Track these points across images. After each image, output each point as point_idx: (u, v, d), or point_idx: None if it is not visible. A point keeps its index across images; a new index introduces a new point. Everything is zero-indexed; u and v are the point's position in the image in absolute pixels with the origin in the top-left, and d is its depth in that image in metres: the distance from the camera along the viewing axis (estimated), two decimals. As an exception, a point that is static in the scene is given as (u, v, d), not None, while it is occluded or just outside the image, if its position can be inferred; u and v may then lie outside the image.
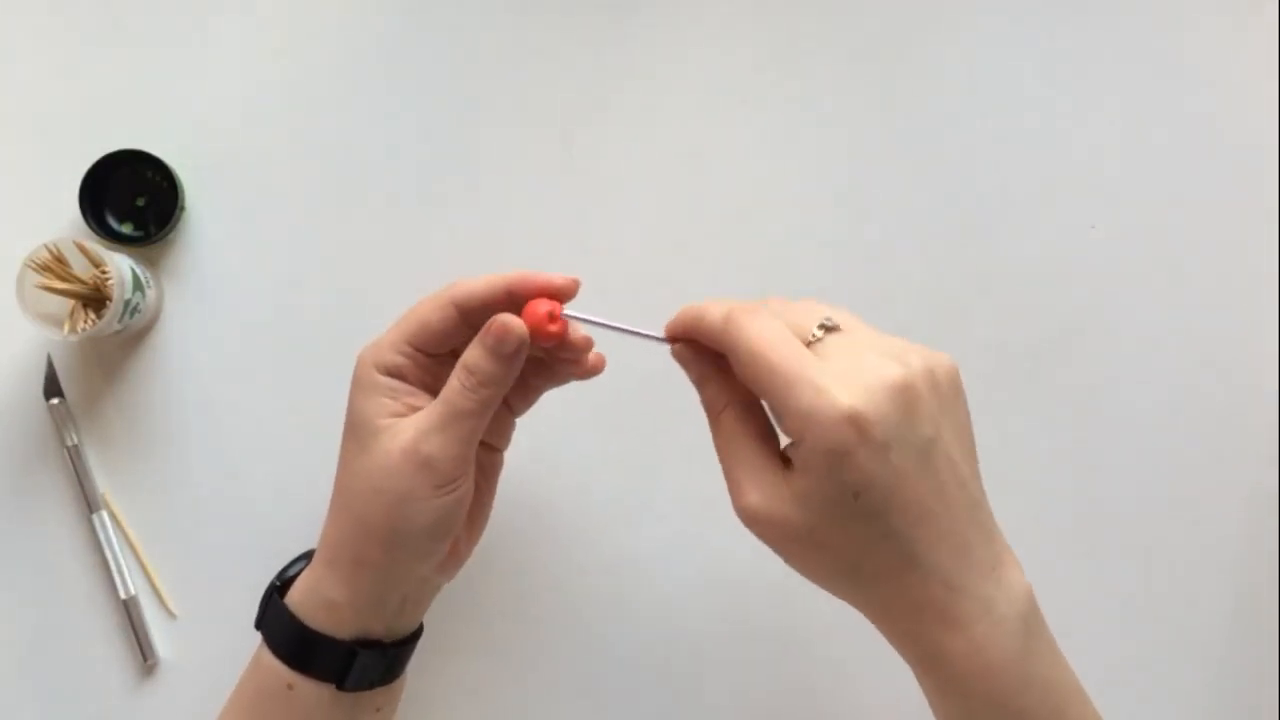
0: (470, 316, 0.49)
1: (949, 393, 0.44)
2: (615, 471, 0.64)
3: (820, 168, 0.66)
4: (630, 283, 0.64)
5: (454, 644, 0.63)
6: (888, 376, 0.41)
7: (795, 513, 0.42)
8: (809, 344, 0.43)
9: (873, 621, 0.45)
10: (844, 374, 0.41)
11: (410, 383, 0.50)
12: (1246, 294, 0.66)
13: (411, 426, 0.48)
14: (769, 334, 0.43)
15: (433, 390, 0.50)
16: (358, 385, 0.50)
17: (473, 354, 0.48)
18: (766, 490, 0.43)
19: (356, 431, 0.50)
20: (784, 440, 0.44)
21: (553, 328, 0.48)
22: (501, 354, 0.48)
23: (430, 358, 0.50)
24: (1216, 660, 0.65)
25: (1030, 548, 0.64)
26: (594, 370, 0.52)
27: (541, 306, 0.48)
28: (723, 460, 0.46)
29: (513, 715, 0.63)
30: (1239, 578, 0.65)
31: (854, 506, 0.41)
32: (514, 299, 0.49)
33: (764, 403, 0.45)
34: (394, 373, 0.50)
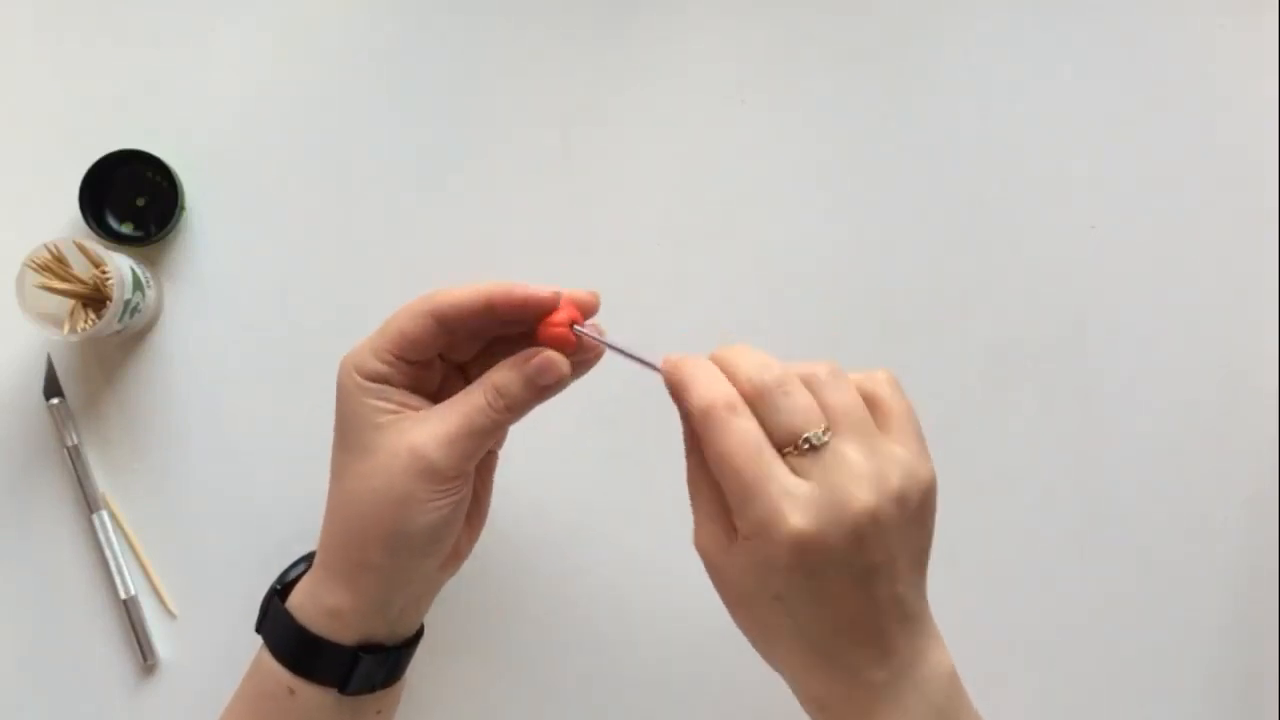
0: (449, 326, 0.49)
1: (916, 513, 0.44)
2: (615, 471, 0.64)
3: (820, 168, 0.66)
4: (630, 283, 0.64)
5: (454, 644, 0.63)
6: (852, 506, 0.42)
7: (732, 573, 0.45)
8: (787, 453, 0.44)
9: (789, 685, 0.47)
10: (807, 495, 0.43)
11: (396, 386, 0.50)
12: (1246, 294, 0.66)
13: (416, 429, 0.48)
14: (739, 441, 0.43)
15: (420, 392, 0.50)
16: (344, 392, 0.50)
17: (507, 378, 0.49)
18: (716, 542, 0.45)
19: (351, 436, 0.50)
20: None
21: (573, 341, 0.49)
22: (538, 384, 0.49)
23: (412, 364, 0.50)
24: (1216, 660, 0.65)
25: (1030, 548, 0.65)
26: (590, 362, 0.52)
27: (560, 316, 0.49)
28: (690, 493, 0.47)
29: (513, 715, 0.63)
30: (1239, 578, 0.65)
31: (774, 604, 0.44)
32: (494, 310, 0.49)
33: None
34: (378, 378, 0.49)
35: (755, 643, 0.47)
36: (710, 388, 0.45)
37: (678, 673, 0.63)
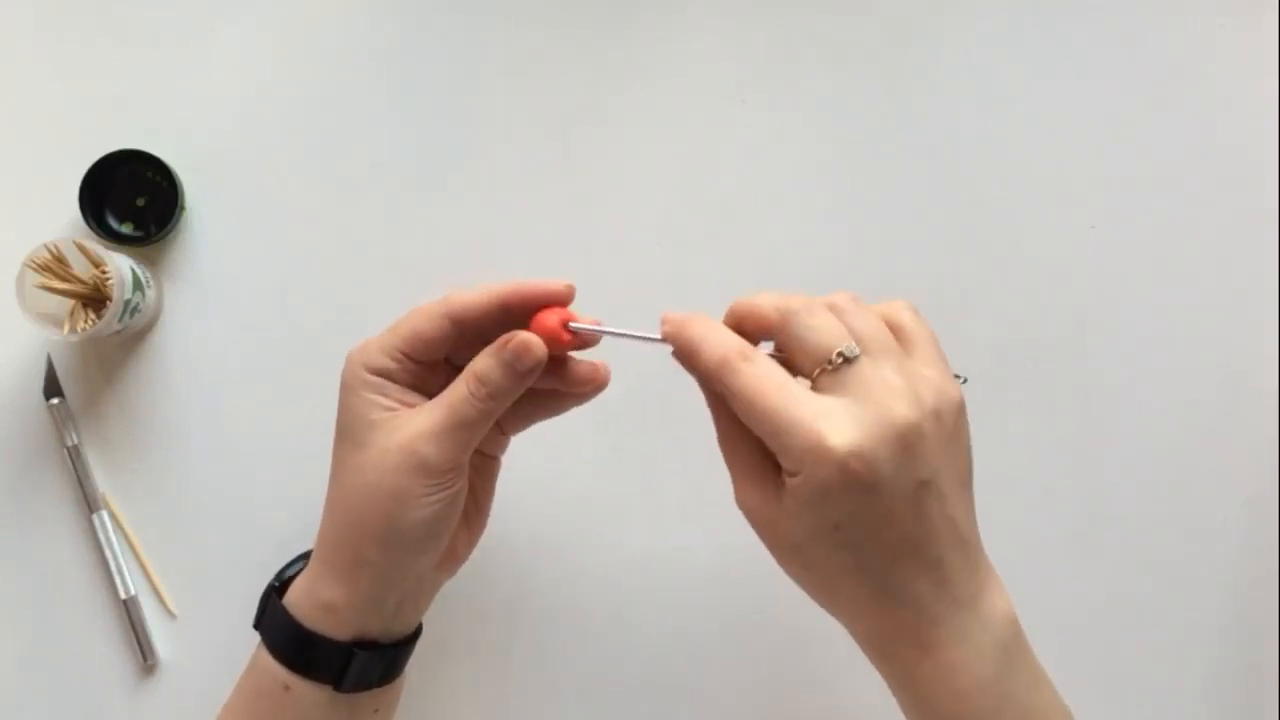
0: (464, 327, 0.49)
1: (953, 430, 0.44)
2: (615, 471, 0.64)
3: (820, 168, 0.66)
4: (630, 283, 0.64)
5: (454, 644, 0.63)
6: (893, 419, 0.42)
7: (784, 524, 0.44)
8: (820, 372, 0.44)
9: (852, 636, 0.47)
10: (846, 412, 0.42)
11: (398, 383, 0.50)
12: (1246, 294, 0.66)
13: (409, 424, 0.48)
14: (762, 380, 0.43)
15: (422, 391, 0.51)
16: (347, 385, 0.50)
17: (486, 365, 0.48)
18: (762, 495, 0.45)
19: (350, 430, 0.50)
20: None
21: (565, 337, 0.49)
22: (517, 369, 0.48)
23: (418, 364, 0.50)
24: (1216, 660, 0.65)
25: (1030, 547, 0.65)
26: (598, 389, 0.52)
27: (552, 317, 0.49)
28: (725, 456, 0.47)
29: (513, 715, 0.63)
30: (1239, 578, 0.65)
31: (835, 536, 0.43)
32: (508, 310, 0.49)
33: None
34: (383, 375, 0.50)
35: (814, 589, 0.46)
36: (720, 342, 0.45)
37: (678, 672, 0.63)
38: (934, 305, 0.65)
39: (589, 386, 0.52)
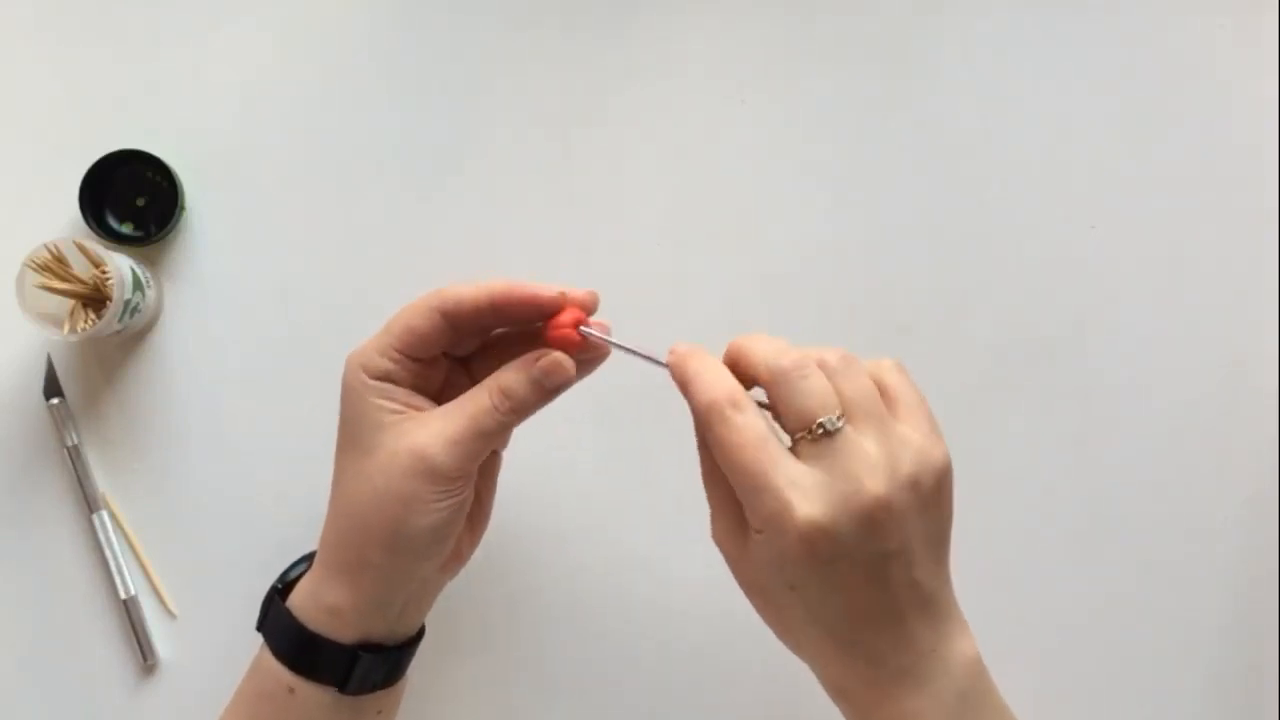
0: (456, 322, 0.49)
1: (931, 497, 0.45)
2: (615, 471, 0.64)
3: (820, 168, 0.66)
4: (630, 283, 0.64)
5: (454, 644, 0.63)
6: (862, 496, 0.43)
7: (749, 567, 0.46)
8: (804, 436, 0.44)
9: (813, 671, 0.48)
10: (816, 485, 0.43)
11: (401, 385, 0.50)
12: (1247, 294, 0.66)
13: (420, 429, 0.48)
14: (745, 435, 0.44)
15: (423, 390, 0.50)
16: (349, 390, 0.50)
17: (514, 379, 0.49)
18: (732, 536, 0.46)
19: (354, 435, 0.50)
20: None
21: (576, 339, 0.49)
22: (545, 387, 0.49)
23: (417, 361, 0.50)
24: (1216, 660, 0.65)
25: (1030, 547, 0.65)
26: (601, 359, 0.52)
27: (567, 317, 0.49)
28: (705, 487, 0.48)
29: (513, 715, 0.63)
30: (1239, 578, 0.65)
31: (791, 595, 0.44)
32: (498, 309, 0.49)
33: None
34: (384, 377, 0.49)
35: (776, 631, 0.48)
36: (713, 385, 0.45)
37: (681, 671, 0.63)
38: (934, 305, 0.66)
39: (595, 353, 0.52)
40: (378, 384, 0.49)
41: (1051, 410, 0.65)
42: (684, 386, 0.46)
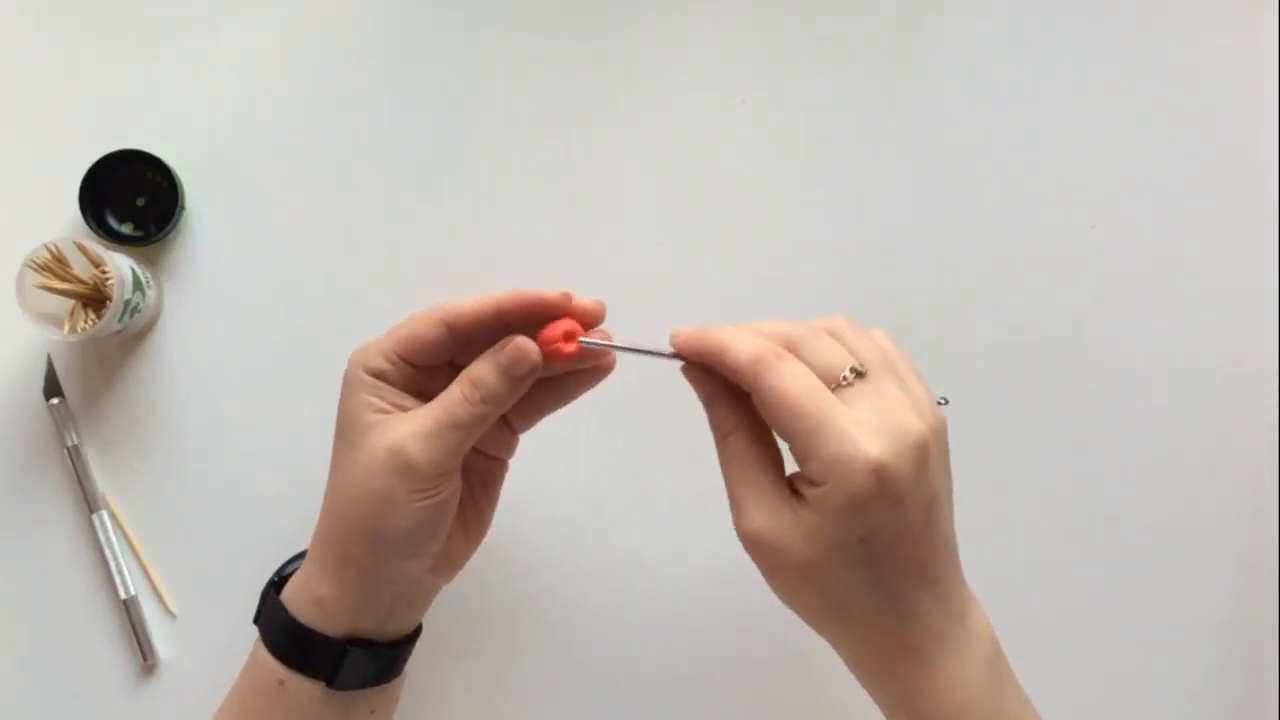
0: (460, 334, 0.49)
1: (946, 448, 0.46)
2: (615, 471, 0.64)
3: (820, 168, 0.66)
4: (630, 283, 0.64)
5: (454, 644, 0.63)
6: (911, 432, 0.43)
7: (799, 544, 0.44)
8: (836, 388, 0.44)
9: (848, 661, 0.47)
10: (870, 424, 0.43)
11: (394, 386, 0.50)
12: (1247, 294, 0.66)
13: (399, 426, 0.48)
14: (798, 381, 0.44)
15: (419, 396, 0.50)
16: (346, 385, 0.50)
17: (482, 369, 0.48)
18: (773, 517, 0.45)
19: (346, 430, 0.50)
20: (790, 468, 0.46)
21: (568, 349, 0.49)
22: (512, 374, 0.48)
23: (416, 368, 0.50)
24: (1216, 660, 0.65)
25: (1030, 547, 0.65)
26: (607, 370, 0.52)
27: (559, 327, 0.49)
28: (728, 481, 0.47)
29: (513, 715, 0.63)
30: (1239, 578, 0.65)
31: (857, 551, 0.43)
32: (505, 318, 0.49)
33: (783, 442, 0.46)
34: (379, 376, 0.50)
35: (820, 610, 0.46)
36: (751, 340, 0.45)
37: (679, 673, 0.63)
38: (934, 305, 0.66)
39: (597, 367, 0.52)
40: (372, 381, 0.49)
41: (1051, 410, 0.65)
42: (718, 353, 0.45)
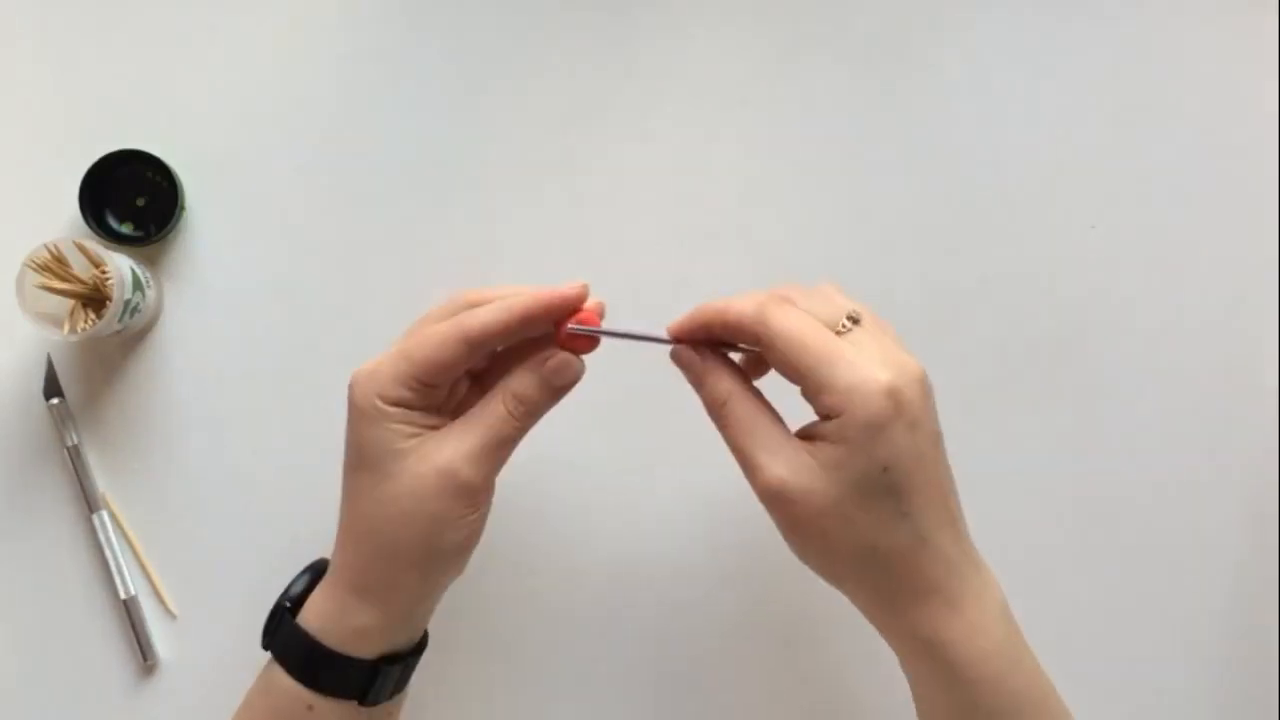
0: (480, 348, 0.49)
1: (931, 397, 0.47)
2: (615, 471, 0.64)
3: (820, 168, 0.66)
4: (630, 283, 0.64)
5: (454, 644, 0.62)
6: (912, 365, 0.45)
7: (823, 485, 0.44)
8: (837, 333, 0.46)
9: (871, 608, 0.47)
10: (876, 357, 0.44)
11: (417, 409, 0.50)
12: (1246, 294, 0.66)
13: (442, 449, 0.48)
14: (804, 321, 0.45)
15: (436, 408, 0.50)
16: (363, 416, 0.49)
17: (525, 383, 0.49)
18: (792, 464, 0.45)
19: (373, 460, 0.49)
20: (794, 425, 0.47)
21: (578, 348, 0.50)
22: (556, 386, 0.49)
23: (432, 386, 0.50)
24: (1216, 661, 0.65)
25: (1030, 547, 0.65)
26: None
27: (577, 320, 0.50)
28: (738, 445, 0.47)
29: (514, 715, 0.63)
30: (1239, 578, 0.65)
31: (881, 480, 0.44)
32: (527, 325, 0.49)
33: (798, 387, 0.46)
34: (401, 404, 0.49)
35: (844, 559, 0.46)
36: (751, 294, 0.47)
37: (680, 672, 0.63)
38: (934, 304, 0.66)
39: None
40: (396, 410, 0.49)
41: (1052, 410, 0.65)
42: (720, 314, 0.47)
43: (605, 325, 0.50)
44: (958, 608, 0.45)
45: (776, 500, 0.45)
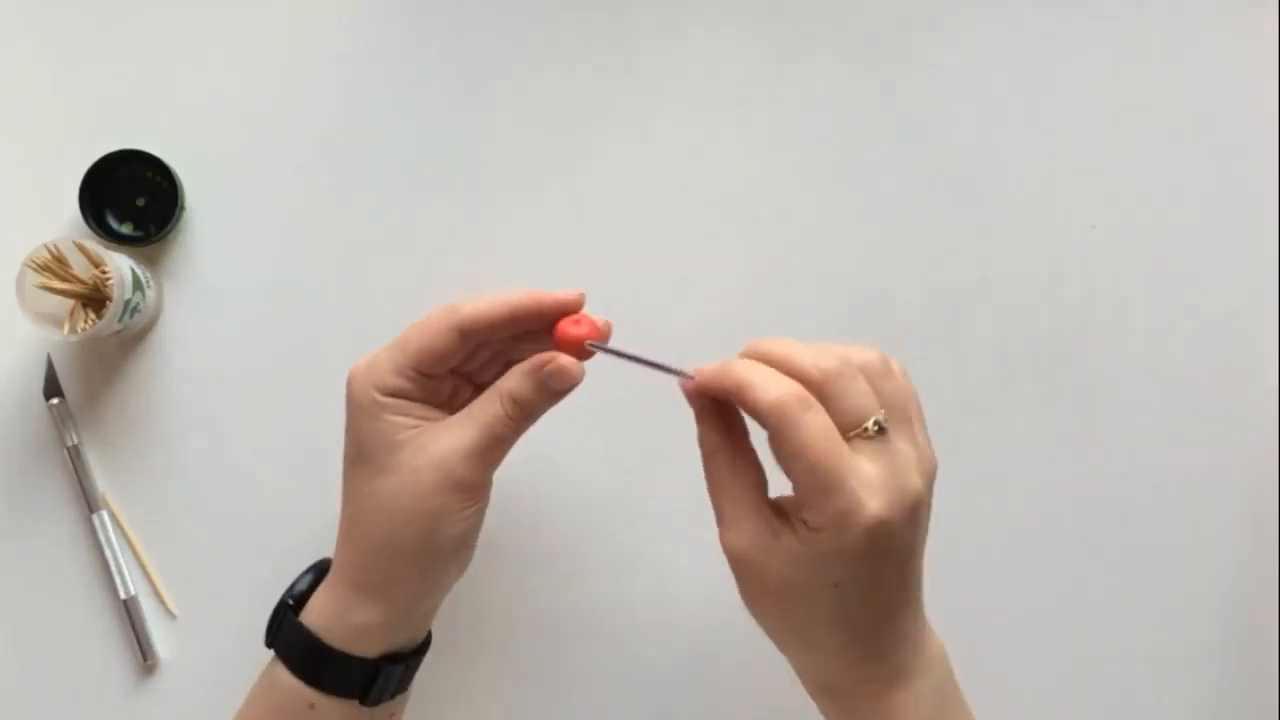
0: (472, 339, 0.50)
1: (932, 495, 0.46)
2: (615, 471, 0.64)
3: (820, 168, 0.66)
4: (630, 283, 0.64)
5: (454, 644, 0.62)
6: (910, 491, 0.44)
7: (775, 567, 0.45)
8: (858, 435, 0.44)
9: (802, 680, 0.49)
10: (878, 484, 0.43)
11: (414, 401, 0.50)
12: (1247, 294, 0.66)
13: (438, 443, 0.49)
14: (815, 435, 0.43)
15: (433, 402, 0.51)
16: (360, 410, 0.50)
17: (521, 385, 0.49)
18: (755, 536, 0.45)
19: (371, 454, 0.49)
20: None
21: (580, 355, 0.50)
22: (553, 389, 0.49)
23: (429, 377, 0.50)
24: (1216, 661, 0.65)
25: (1030, 547, 0.65)
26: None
27: (574, 329, 0.49)
28: (713, 498, 0.47)
29: (514, 715, 0.63)
30: (1239, 578, 0.65)
31: (830, 591, 0.44)
32: (518, 320, 0.49)
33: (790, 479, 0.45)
34: (398, 394, 0.50)
35: (786, 634, 0.47)
36: (777, 383, 0.44)
37: (680, 672, 0.63)
38: (934, 305, 0.66)
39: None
40: (392, 401, 0.49)
41: (1052, 410, 0.65)
42: (740, 391, 0.45)
43: (614, 341, 0.50)
44: (883, 696, 0.46)
45: (733, 563, 0.46)
